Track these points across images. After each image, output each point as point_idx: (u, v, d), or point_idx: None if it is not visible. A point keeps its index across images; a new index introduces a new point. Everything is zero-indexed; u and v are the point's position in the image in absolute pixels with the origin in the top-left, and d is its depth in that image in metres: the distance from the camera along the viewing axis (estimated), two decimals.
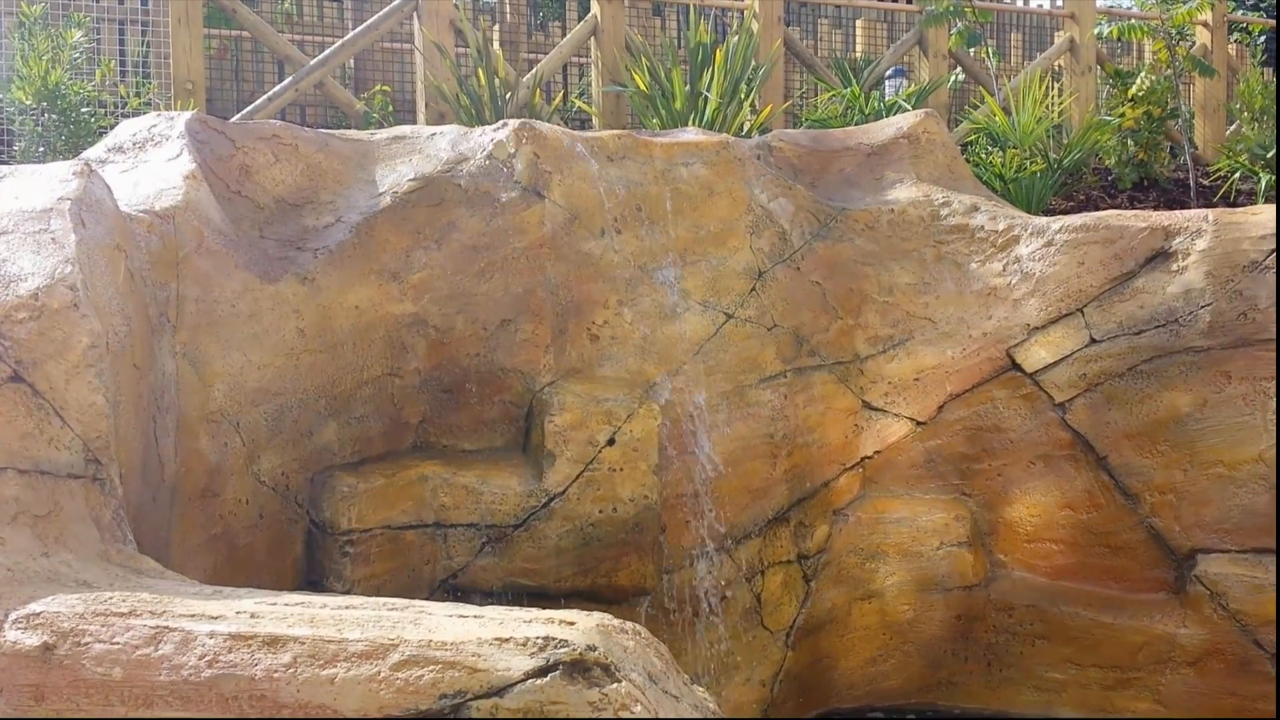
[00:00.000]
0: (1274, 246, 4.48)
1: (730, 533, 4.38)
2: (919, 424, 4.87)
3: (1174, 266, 4.58)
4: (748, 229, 4.67)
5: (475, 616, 1.79)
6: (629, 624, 1.88)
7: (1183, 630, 4.47)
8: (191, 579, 2.95)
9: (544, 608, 4.06)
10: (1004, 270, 4.88)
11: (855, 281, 4.92)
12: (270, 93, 6.42)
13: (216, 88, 7.88)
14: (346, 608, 1.81)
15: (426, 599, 3.90)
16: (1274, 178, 6.98)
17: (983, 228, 4.98)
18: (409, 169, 4.19)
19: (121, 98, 5.66)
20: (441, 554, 3.88)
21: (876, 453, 4.88)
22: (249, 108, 6.31)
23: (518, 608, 1.91)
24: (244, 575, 3.27)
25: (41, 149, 5.24)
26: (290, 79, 6.47)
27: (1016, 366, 4.78)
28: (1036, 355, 4.76)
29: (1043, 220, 4.94)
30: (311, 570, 3.61)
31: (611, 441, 3.99)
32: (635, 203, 4.44)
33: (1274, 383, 4.40)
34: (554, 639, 1.69)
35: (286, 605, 1.82)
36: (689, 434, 4.25)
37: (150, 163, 3.66)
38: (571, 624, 1.75)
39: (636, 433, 4.02)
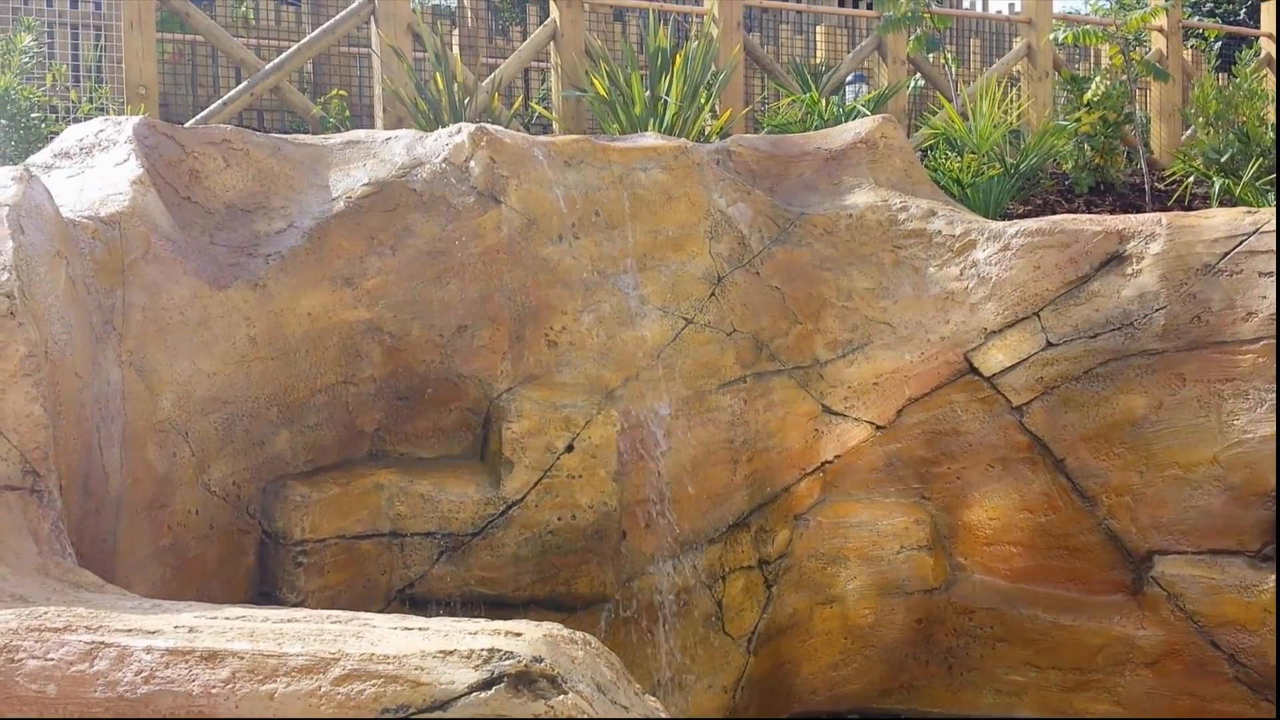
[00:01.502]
0: (1228, 250, 4.53)
1: (691, 538, 4.36)
2: (878, 428, 4.88)
3: (1128, 270, 4.62)
4: (706, 234, 4.66)
5: (420, 629, 1.75)
6: (579, 634, 1.85)
7: (1141, 632, 4.50)
8: (136, 593, 2.89)
9: (503, 617, 4.04)
10: (961, 275, 4.90)
11: (814, 286, 4.92)
12: (225, 97, 6.34)
13: (171, 93, 7.78)
14: (288, 621, 1.77)
15: (383, 609, 3.87)
16: (1227, 181, 7.06)
17: (940, 232, 5.00)
18: (363, 174, 4.14)
19: (73, 103, 5.58)
20: (398, 563, 3.83)
21: (837, 457, 4.88)
22: (204, 113, 6.24)
23: (465, 619, 1.87)
24: (195, 587, 3.22)
25: None
26: (245, 83, 6.40)
27: (974, 370, 4.80)
28: (994, 359, 4.78)
29: (999, 225, 4.96)
30: (265, 581, 3.55)
31: (570, 448, 3.96)
32: (593, 207, 4.42)
33: (1227, 385, 4.44)
34: (499, 651, 1.65)
35: (227, 619, 1.78)
36: (649, 440, 4.23)
37: (97, 168, 3.59)
38: (518, 635, 1.72)
39: (595, 439, 3.99)
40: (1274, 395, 4.34)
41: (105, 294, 2.99)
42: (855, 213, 5.05)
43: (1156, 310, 4.54)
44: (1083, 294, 4.67)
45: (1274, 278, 4.40)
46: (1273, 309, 4.36)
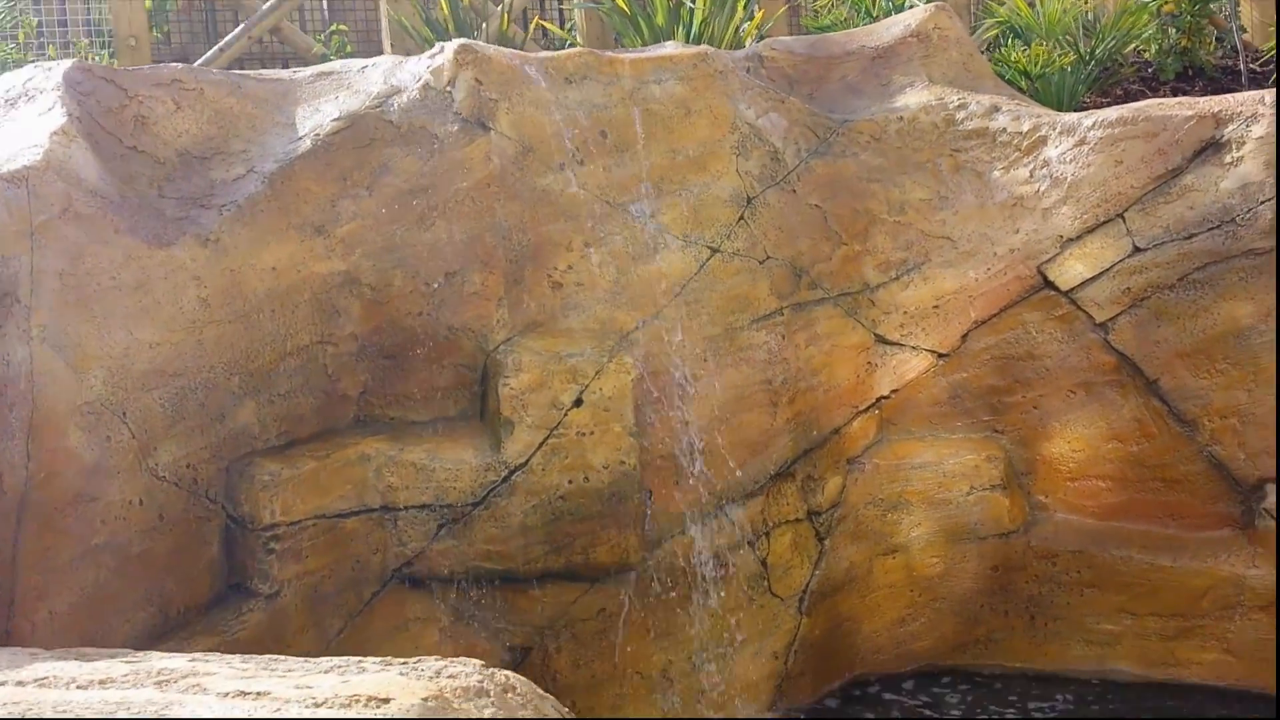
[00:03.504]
0: None
1: (728, 493, 3.88)
2: (941, 356, 4.31)
3: (1227, 159, 3.95)
4: (733, 150, 4.10)
5: (256, 695, 1.30)
6: (496, 681, 1.39)
7: (1253, 571, 3.91)
8: (55, 605, 2.52)
9: (516, 592, 3.63)
10: (1031, 176, 4.28)
11: (861, 201, 4.34)
12: (221, 43, 5.92)
13: (189, 44, 7.39)
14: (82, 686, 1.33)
15: (379, 592, 3.49)
16: None
17: (1005, 130, 4.36)
18: (334, 108, 3.67)
19: (51, 59, 5.20)
20: (392, 541, 3.43)
21: (894, 392, 4.33)
22: (198, 61, 5.82)
23: (330, 662, 1.42)
24: (142, 587, 2.85)
25: None
26: (242, 25, 5.96)
27: (1050, 285, 4.20)
28: (1072, 270, 4.16)
29: (1073, 117, 4.31)
30: (233, 572, 3.18)
31: (579, 403, 3.50)
32: (599, 129, 3.89)
33: None
34: None
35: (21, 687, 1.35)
36: (673, 387, 3.75)
37: (19, 120, 3.19)
38: (385, 703, 1.26)
39: (607, 391, 3.52)
40: None
41: (1, 263, 2.59)
42: (907, 115, 4.43)
43: (1262, 203, 3.88)
44: (1174, 189, 4.01)
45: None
46: None
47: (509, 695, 1.35)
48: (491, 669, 1.38)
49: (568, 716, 1.42)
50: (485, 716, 1.30)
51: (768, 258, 4.04)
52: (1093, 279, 4.12)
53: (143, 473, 2.88)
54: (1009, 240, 4.25)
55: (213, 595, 3.10)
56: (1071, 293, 4.16)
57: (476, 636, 3.60)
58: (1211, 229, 3.91)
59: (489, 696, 1.32)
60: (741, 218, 4.04)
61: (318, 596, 3.24)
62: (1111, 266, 4.09)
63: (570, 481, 3.48)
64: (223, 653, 2.90)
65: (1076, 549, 4.17)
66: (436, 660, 1.40)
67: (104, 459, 2.77)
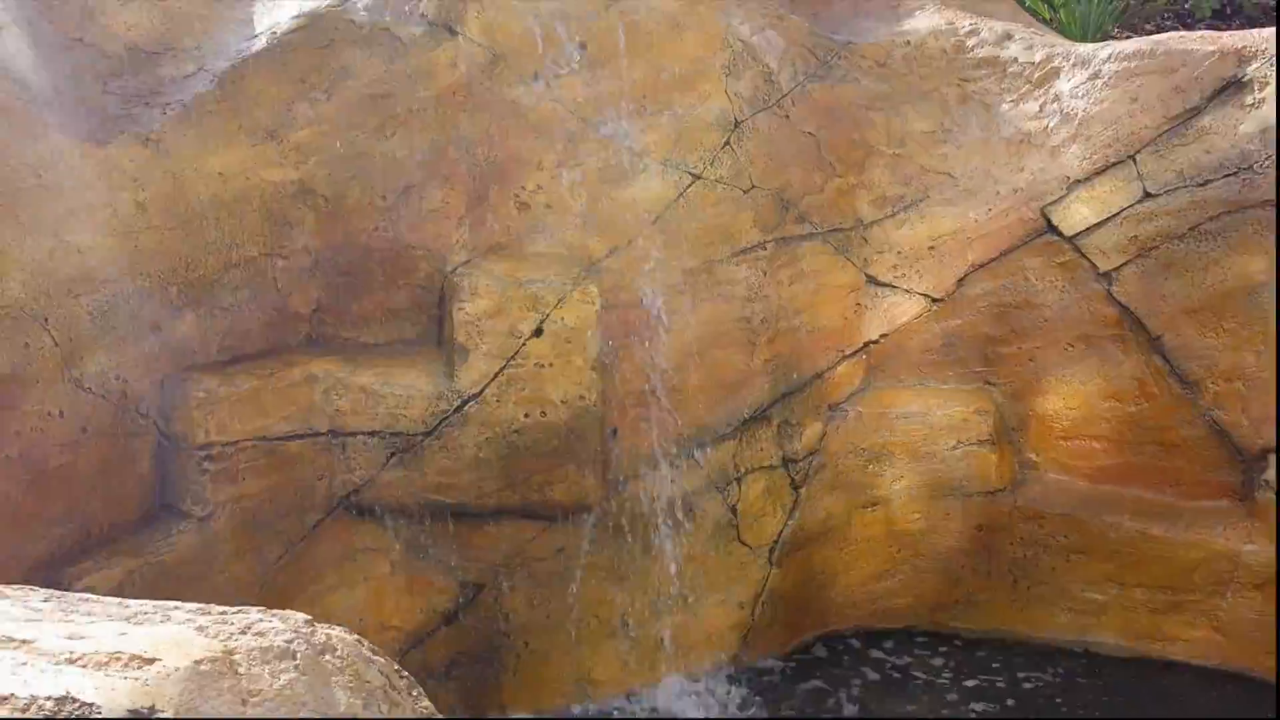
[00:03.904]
0: None
1: (698, 435, 3.69)
2: (934, 301, 4.09)
3: (1248, 100, 3.67)
4: (723, 70, 3.85)
5: (17, 645, 1.12)
6: (314, 641, 1.20)
7: (1249, 546, 3.71)
8: None
9: (469, 527, 3.48)
10: (1041, 111, 4.01)
11: (859, 130, 4.09)
12: None
13: None
14: None
15: (322, 519, 3.33)
16: None
17: (1016, 60, 4.09)
18: (293, 4, 3.44)
19: None
20: (340, 467, 3.27)
21: (883, 336, 4.11)
22: None
23: (140, 606, 1.25)
24: (61, 503, 2.70)
25: None
26: None
27: (1053, 229, 3.95)
28: (1078, 214, 3.91)
29: (1088, 48, 4.03)
30: (166, 492, 3.02)
31: (539, 332, 3.30)
32: (578, 39, 3.65)
33: None
34: (74, 701, 1.02)
35: None
36: (642, 320, 3.54)
37: None
38: (147, 664, 1.08)
39: (569, 321, 3.32)
40: None
41: None
42: (914, 39, 4.16)
43: None
44: (1190, 131, 3.74)
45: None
46: None
47: (324, 658, 1.18)
48: (316, 627, 1.21)
49: (396, 682, 1.24)
50: (278, 684, 1.12)
51: (753, 187, 3.80)
52: (1099, 225, 3.87)
53: (65, 383, 2.71)
54: (1013, 179, 4.00)
55: (142, 515, 2.95)
56: (1075, 239, 3.91)
57: (429, 570, 3.46)
58: (1228, 175, 3.65)
59: (293, 660, 1.14)
60: (727, 143, 3.80)
61: (255, 521, 3.09)
62: (1120, 212, 3.84)
63: (527, 415, 3.30)
64: (147, 576, 2.77)
65: (1065, 512, 3.98)
66: (260, 612, 1.23)
67: (22, 367, 2.61)
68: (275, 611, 1.27)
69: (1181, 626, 3.84)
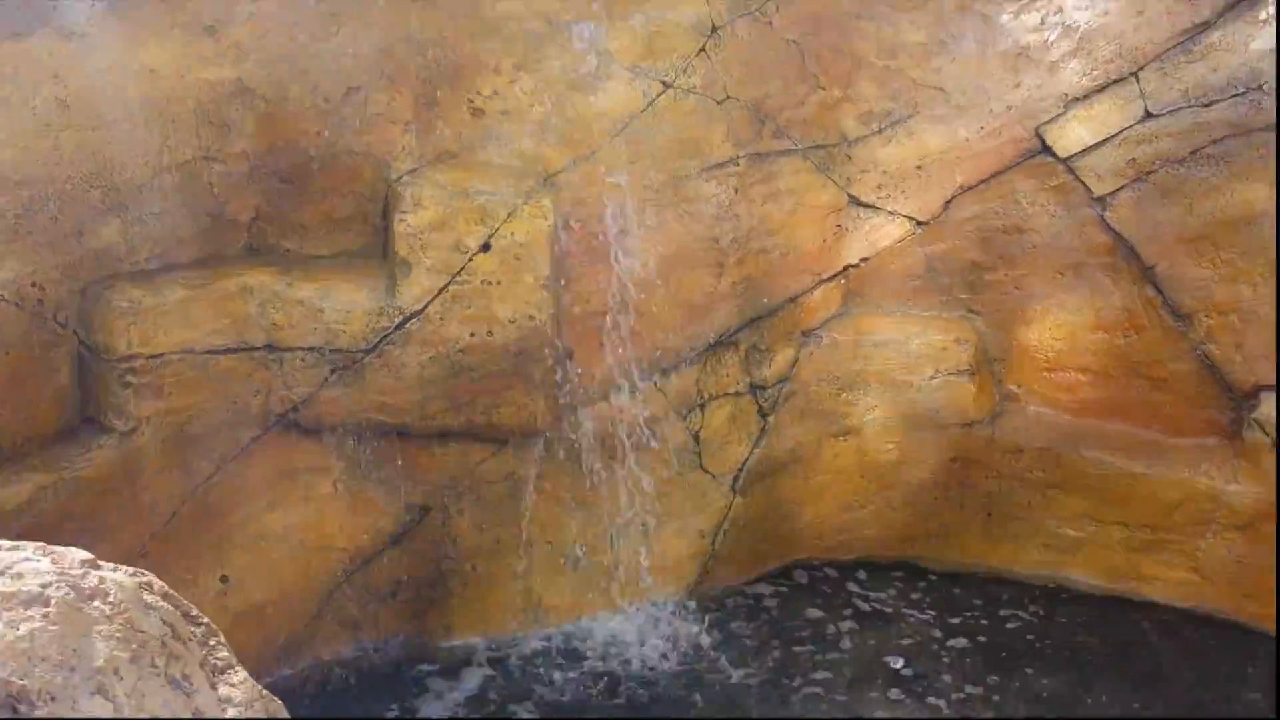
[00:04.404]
0: None
1: (660, 360, 3.54)
2: (919, 224, 3.89)
3: (1262, 15, 3.41)
4: None
5: None
6: (81, 587, 1.08)
7: (1233, 486, 3.55)
8: None
9: (414, 449, 3.35)
10: (1042, 23, 3.75)
11: (847, 40, 3.84)
12: None
13: None
14: None
15: (258, 437, 3.21)
16: None
17: None
18: None
19: None
20: (278, 384, 3.14)
21: (863, 260, 3.92)
22: None
23: None
24: None
25: None
26: None
27: (1047, 149, 3.73)
28: (1074, 135, 3.69)
29: None
30: (88, 404, 2.90)
31: (486, 247, 3.13)
32: None
33: None
34: None
35: None
36: (602, 237, 3.36)
37: None
38: None
39: (519, 236, 3.15)
40: None
41: None
42: None
43: None
44: (1198, 47, 3.49)
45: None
46: None
47: (90, 605, 1.05)
48: (92, 570, 1.08)
49: (184, 630, 1.11)
50: (12, 635, 0.98)
51: (728, 98, 3.58)
52: (1095, 146, 3.64)
53: None
54: (1008, 96, 3.76)
55: (61, 428, 2.84)
56: (1070, 160, 3.69)
57: (373, 491, 3.35)
58: (1234, 96, 3.41)
59: (44, 607, 1.01)
60: (702, 49, 3.57)
61: (183, 437, 2.97)
62: (1118, 133, 3.61)
63: (472, 334, 3.14)
64: (61, 492, 2.66)
65: (1044, 446, 3.82)
66: (34, 550, 1.10)
67: None
68: (54, 549, 1.14)
69: (1159, 566, 3.70)
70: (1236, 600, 3.57)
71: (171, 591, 1.21)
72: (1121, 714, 3.22)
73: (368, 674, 3.34)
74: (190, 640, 1.13)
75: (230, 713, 1.13)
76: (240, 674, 1.18)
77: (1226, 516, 3.55)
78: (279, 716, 1.20)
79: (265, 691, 1.20)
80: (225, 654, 1.18)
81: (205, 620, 1.20)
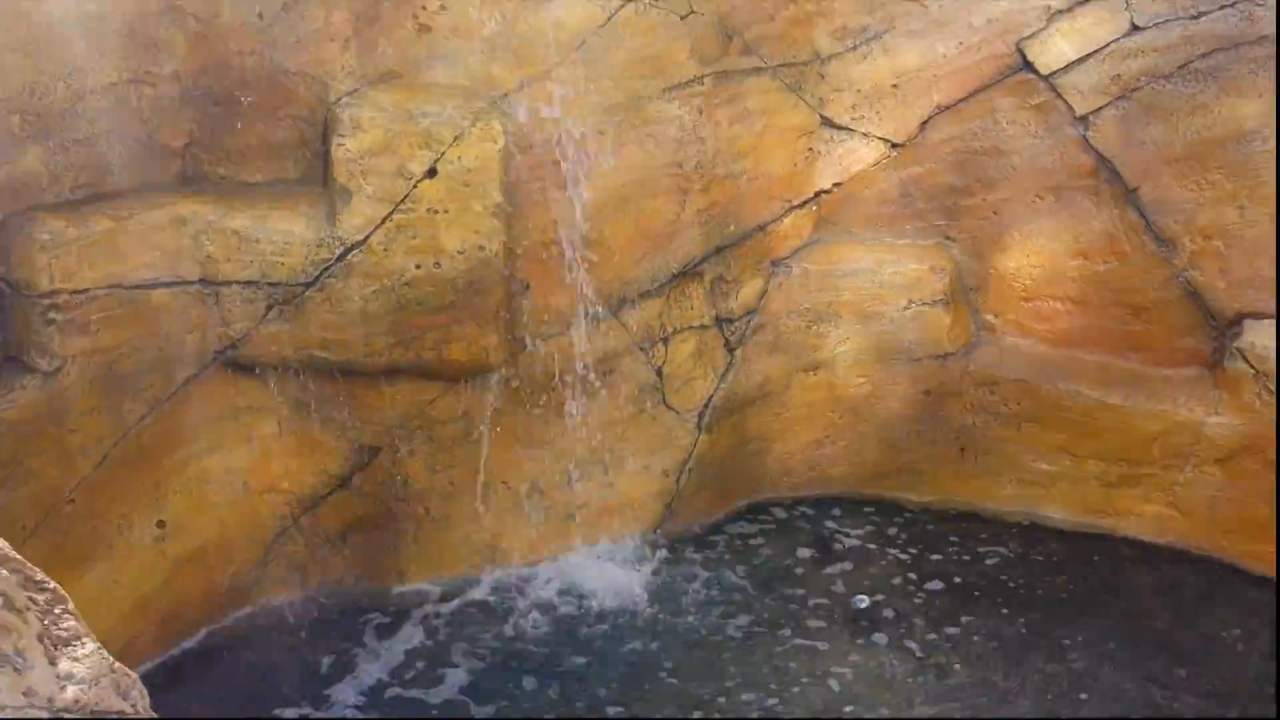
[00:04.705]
0: None
1: (620, 292, 3.38)
2: (895, 146, 3.72)
3: None
4: None
5: None
6: None
7: (1213, 418, 3.43)
8: None
9: (362, 387, 3.21)
10: None
11: None
12: None
13: None
14: None
15: (195, 375, 3.06)
16: None
17: None
18: None
19: None
20: (214, 320, 2.98)
21: (836, 185, 3.76)
22: None
23: None
24: None
25: None
26: None
27: (1028, 66, 3.56)
28: (1056, 49, 3.51)
29: None
30: (9, 343, 2.74)
31: (432, 173, 2.96)
32: None
33: None
34: None
35: None
36: (560, 162, 3.18)
37: None
38: None
39: (468, 161, 2.97)
40: None
41: None
42: None
43: None
44: None
45: None
46: None
47: None
48: None
49: (19, 598, 0.98)
50: None
51: (692, 12, 3.38)
52: (1079, 61, 3.47)
53: None
54: (989, 8, 3.58)
55: None
56: (1052, 77, 3.51)
57: (320, 432, 3.20)
58: (1225, 7, 3.23)
59: None
60: None
61: (113, 376, 2.82)
62: (1103, 47, 3.43)
63: (418, 266, 2.98)
64: None
65: (1020, 378, 3.69)
66: None
67: None
68: None
69: (1135, 500, 3.60)
70: (1215, 536, 3.47)
71: (13, 554, 1.07)
72: (1096, 656, 3.13)
73: (316, 620, 3.23)
74: (29, 610, 1.00)
75: (70, 691, 1.00)
76: (88, 646, 1.05)
77: (1207, 449, 3.44)
78: (130, 692, 1.07)
79: (119, 666, 1.07)
80: (72, 624, 1.05)
81: (52, 586, 1.06)
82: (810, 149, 3.70)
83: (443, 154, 2.95)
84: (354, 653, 3.14)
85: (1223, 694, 2.96)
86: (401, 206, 2.94)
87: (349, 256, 2.95)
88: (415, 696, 2.98)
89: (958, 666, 3.09)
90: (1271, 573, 3.33)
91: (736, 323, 3.64)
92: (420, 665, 3.09)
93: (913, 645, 3.18)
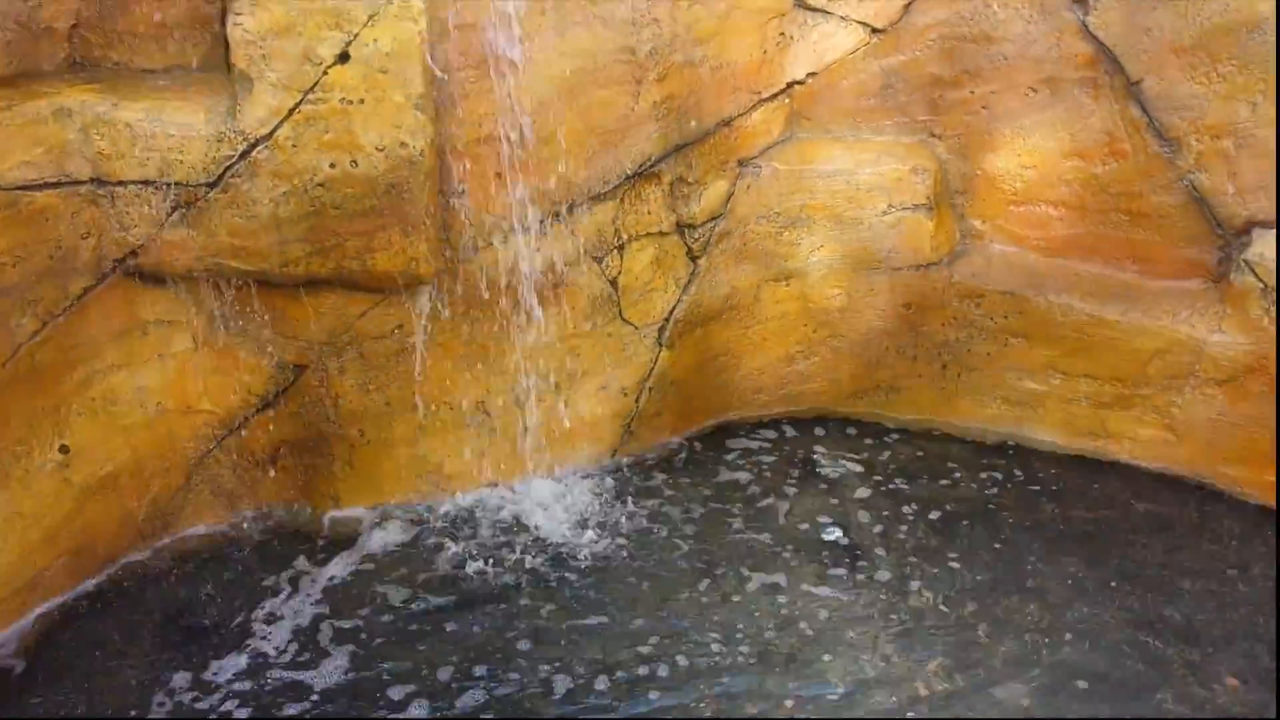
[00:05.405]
0: None
1: (567, 194, 3.08)
2: (875, 32, 3.38)
3: None
4: None
5: None
6: None
7: (1216, 336, 3.14)
8: None
9: (280, 298, 2.93)
10: None
11: None
12: None
13: None
14: None
15: (92, 286, 2.78)
16: None
17: None
18: None
19: None
20: (111, 224, 2.69)
21: (810, 76, 3.42)
22: None
23: None
24: None
25: None
26: None
27: None
28: None
29: None
30: None
31: (344, 58, 2.63)
32: None
33: None
34: None
35: None
36: (494, 47, 2.85)
37: None
38: None
39: (384, 44, 2.64)
40: None
41: None
42: None
43: None
44: None
45: None
46: None
47: None
48: None
49: None
50: None
51: None
52: None
53: None
54: None
55: None
56: None
57: (239, 348, 2.94)
58: None
59: None
60: None
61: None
62: None
63: (333, 165, 2.67)
64: None
65: (1008, 290, 3.40)
66: None
67: None
68: None
69: (1129, 423, 3.34)
70: (1213, 463, 3.22)
71: None
72: (1082, 594, 2.90)
73: (244, 549, 3.00)
74: None
75: None
76: None
77: (1208, 369, 3.16)
78: None
79: None
80: None
81: None
82: (781, 34, 3.35)
83: (356, 36, 2.61)
84: (283, 584, 2.92)
85: (1216, 639, 2.73)
86: (310, 96, 2.62)
87: (253, 153, 2.63)
88: (349, 627, 2.76)
89: (934, 604, 2.86)
90: (1273, 503, 3.08)
91: (699, 229, 3.33)
92: (354, 594, 2.87)
93: (886, 578, 2.95)
